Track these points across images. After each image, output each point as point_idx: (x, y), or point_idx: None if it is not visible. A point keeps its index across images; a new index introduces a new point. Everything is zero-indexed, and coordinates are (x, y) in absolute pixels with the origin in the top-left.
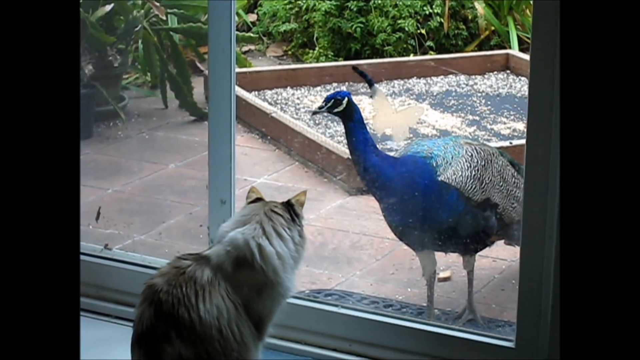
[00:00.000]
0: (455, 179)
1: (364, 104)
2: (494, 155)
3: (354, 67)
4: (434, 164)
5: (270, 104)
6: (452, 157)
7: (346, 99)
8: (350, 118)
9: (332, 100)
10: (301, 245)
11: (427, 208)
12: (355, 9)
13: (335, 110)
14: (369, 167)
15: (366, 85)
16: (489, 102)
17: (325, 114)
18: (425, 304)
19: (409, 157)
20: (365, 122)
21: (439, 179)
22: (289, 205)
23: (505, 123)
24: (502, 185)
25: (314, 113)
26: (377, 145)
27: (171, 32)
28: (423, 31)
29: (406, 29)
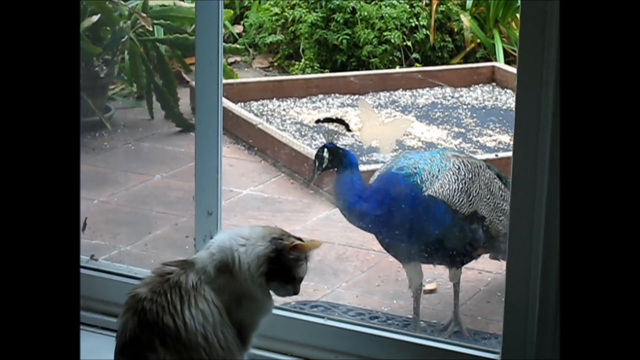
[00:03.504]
0: (443, 192)
1: (350, 115)
2: (481, 168)
3: (319, 120)
4: (419, 181)
5: (256, 115)
6: (438, 170)
7: (325, 150)
8: (341, 164)
9: (316, 161)
10: None
11: (415, 223)
12: (341, 21)
13: (324, 166)
14: (352, 213)
15: (352, 95)
16: (474, 115)
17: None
18: (411, 316)
19: (392, 178)
20: (356, 163)
21: (426, 193)
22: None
23: (490, 135)
24: (489, 198)
25: (311, 179)
26: (364, 158)
27: (157, 43)
28: (409, 43)
29: (392, 41)
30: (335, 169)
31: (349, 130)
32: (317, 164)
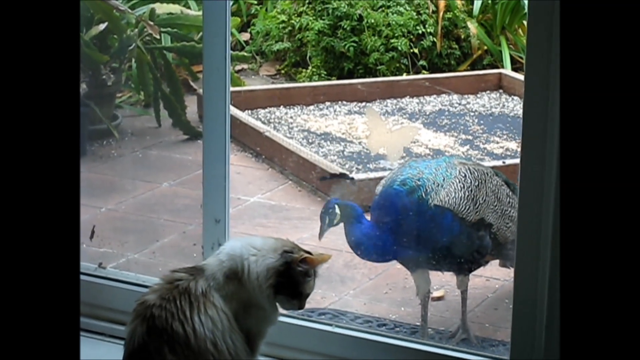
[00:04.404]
0: (449, 200)
1: (357, 122)
2: (488, 175)
3: (324, 178)
4: (423, 194)
5: (263, 123)
6: (443, 179)
7: (336, 206)
8: (349, 217)
9: (326, 218)
10: None
11: (424, 234)
12: (348, 28)
13: (336, 222)
14: (373, 257)
15: (359, 103)
16: (481, 122)
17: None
18: (419, 323)
19: (396, 199)
20: (361, 212)
21: (432, 204)
22: (291, 262)
23: (498, 142)
24: (496, 205)
25: (320, 236)
26: (371, 165)
27: (165, 51)
28: (416, 50)
29: (399, 48)
30: (344, 222)
31: (353, 183)
32: (327, 220)
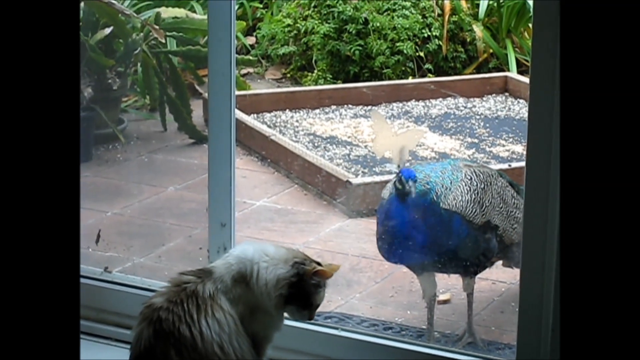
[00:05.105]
0: (456, 204)
1: (363, 126)
2: (493, 176)
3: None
4: (435, 197)
5: (269, 126)
6: (450, 182)
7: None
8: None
9: (410, 182)
10: None
11: (434, 237)
12: (353, 32)
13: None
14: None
15: (365, 106)
16: (487, 125)
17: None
18: (425, 327)
19: (409, 200)
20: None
21: (443, 207)
22: (304, 274)
23: (504, 145)
24: (502, 207)
25: (400, 193)
26: (377, 169)
27: (170, 55)
28: (421, 54)
29: (405, 51)
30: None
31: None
32: (407, 187)
